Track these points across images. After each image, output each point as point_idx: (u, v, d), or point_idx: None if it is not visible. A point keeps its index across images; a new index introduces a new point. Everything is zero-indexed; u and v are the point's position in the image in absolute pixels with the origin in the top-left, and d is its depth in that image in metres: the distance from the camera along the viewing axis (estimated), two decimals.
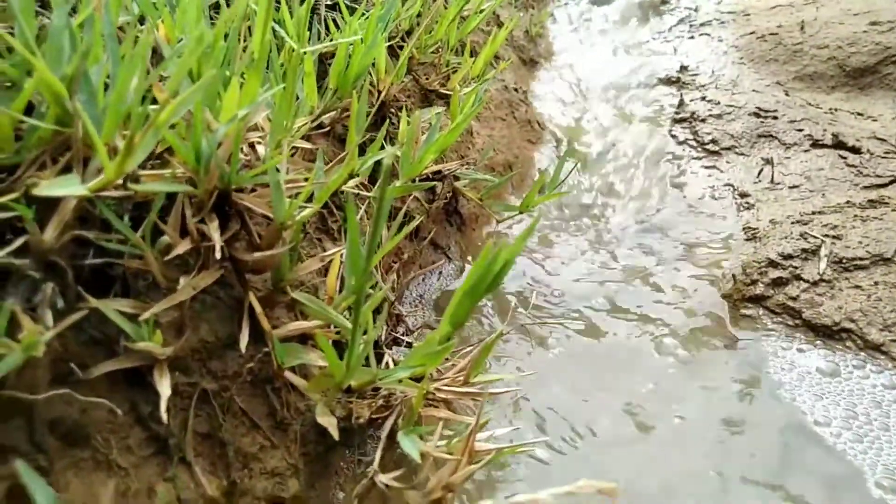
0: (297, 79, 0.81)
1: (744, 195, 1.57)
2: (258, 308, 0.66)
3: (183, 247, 0.57)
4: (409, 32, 1.40)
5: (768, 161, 1.66)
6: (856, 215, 1.25)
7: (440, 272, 1.33)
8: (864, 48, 2.06)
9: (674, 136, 1.87)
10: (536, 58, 2.61)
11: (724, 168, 1.69)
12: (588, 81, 2.47)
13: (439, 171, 1.21)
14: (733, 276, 1.24)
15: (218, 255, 0.58)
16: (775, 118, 1.79)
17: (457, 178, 1.38)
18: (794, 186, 1.54)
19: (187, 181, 0.59)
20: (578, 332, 1.23)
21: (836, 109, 1.92)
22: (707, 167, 1.71)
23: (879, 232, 1.17)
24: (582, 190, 1.77)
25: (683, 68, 2.31)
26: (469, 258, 1.42)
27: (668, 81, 2.31)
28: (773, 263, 1.18)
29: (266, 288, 0.69)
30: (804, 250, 1.17)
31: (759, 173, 1.62)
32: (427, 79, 1.43)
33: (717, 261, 1.36)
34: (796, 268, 1.14)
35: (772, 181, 1.58)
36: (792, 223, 1.31)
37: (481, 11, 1.59)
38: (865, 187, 1.50)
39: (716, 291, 1.25)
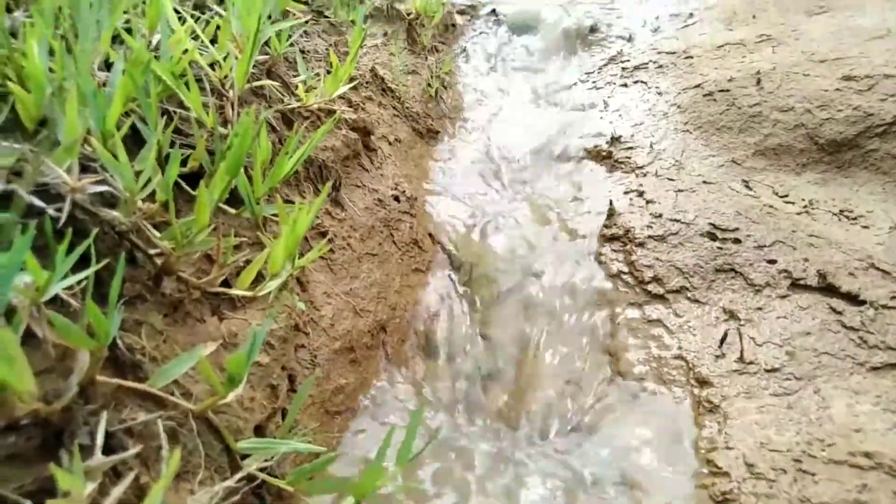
0: None
1: (702, 382, 1.09)
2: None
3: None
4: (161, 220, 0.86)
5: (733, 315, 1.18)
6: None
7: None
8: (840, 113, 1.60)
9: (604, 264, 1.38)
10: (437, 124, 2.09)
11: (672, 326, 1.20)
12: (501, 155, 1.96)
13: None
14: None
15: None
16: (737, 241, 1.31)
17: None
18: (773, 370, 1.06)
19: None
20: None
21: (813, 205, 1.46)
22: (650, 322, 1.23)
23: None
24: (481, 359, 1.26)
25: (615, 140, 1.82)
26: None
27: (597, 156, 1.82)
28: None
29: None
30: None
31: (723, 341, 1.14)
32: (202, 277, 0.90)
33: None
34: None
35: (741, 358, 1.10)
36: None
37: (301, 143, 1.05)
38: (874, 369, 1.03)
39: None
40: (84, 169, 0.86)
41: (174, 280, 0.87)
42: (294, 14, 1.68)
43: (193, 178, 1.06)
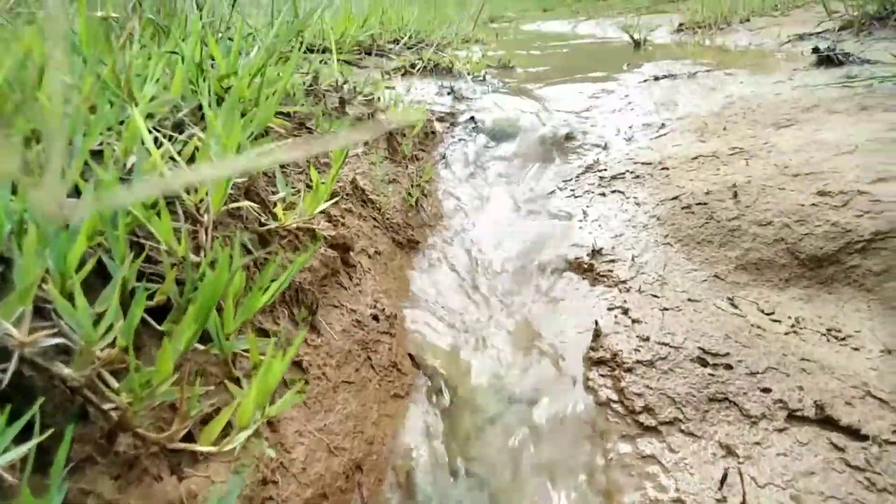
0: None
1: None
2: None
3: None
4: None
5: (730, 451, 1.12)
6: None
7: None
8: (818, 229, 1.61)
9: (592, 390, 1.32)
10: (417, 233, 2.08)
11: (668, 463, 1.13)
12: (483, 266, 1.94)
13: None
14: None
15: None
16: (729, 367, 1.27)
17: None
18: None
19: None
20: None
21: (799, 323, 1.43)
22: (644, 458, 1.16)
23: None
24: (464, 499, 1.17)
25: (596, 252, 1.81)
26: None
27: (578, 268, 1.80)
28: None
29: None
30: None
31: (723, 481, 1.07)
32: (163, 428, 0.82)
33: None
34: None
35: (744, 503, 1.03)
36: None
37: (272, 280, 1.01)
38: None
39: None
40: (38, 311, 0.80)
41: (130, 436, 0.79)
42: (276, 130, 1.68)
43: (161, 311, 1.00)
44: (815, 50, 2.99)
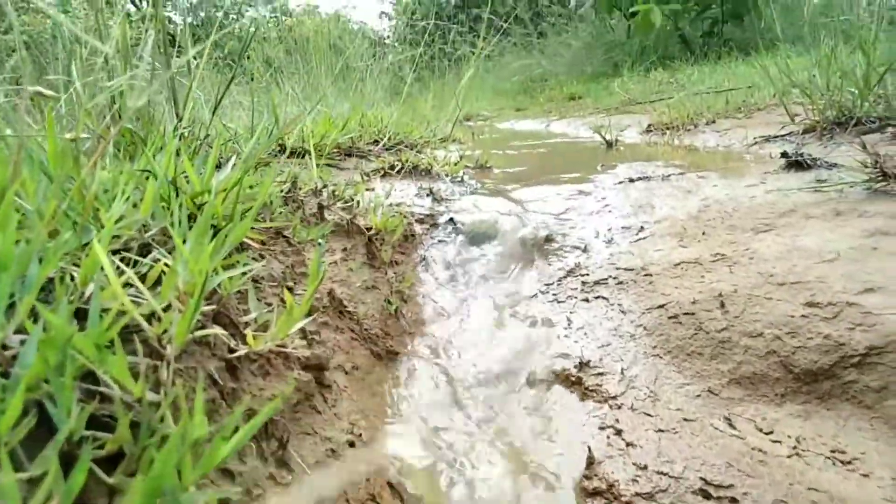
0: None
1: None
2: None
3: None
4: None
5: None
6: None
7: None
8: (811, 342, 1.57)
9: None
10: (397, 342, 1.99)
11: None
12: (465, 376, 1.85)
13: None
14: None
15: None
16: (734, 501, 1.18)
17: None
18: None
19: None
20: None
21: (801, 443, 1.35)
22: None
23: None
24: None
25: (584, 364, 1.74)
26: None
27: (566, 381, 1.72)
28: None
29: None
30: None
31: None
32: None
33: None
34: None
35: None
36: None
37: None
38: None
39: None
40: None
41: None
42: (251, 244, 1.63)
43: (111, 459, 0.90)
44: (784, 154, 3.08)
